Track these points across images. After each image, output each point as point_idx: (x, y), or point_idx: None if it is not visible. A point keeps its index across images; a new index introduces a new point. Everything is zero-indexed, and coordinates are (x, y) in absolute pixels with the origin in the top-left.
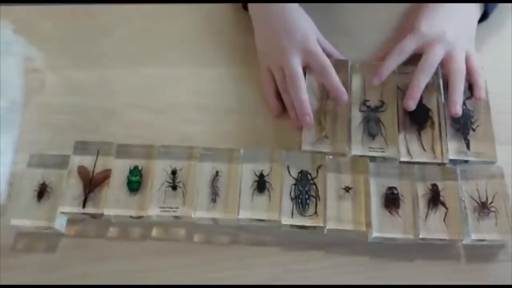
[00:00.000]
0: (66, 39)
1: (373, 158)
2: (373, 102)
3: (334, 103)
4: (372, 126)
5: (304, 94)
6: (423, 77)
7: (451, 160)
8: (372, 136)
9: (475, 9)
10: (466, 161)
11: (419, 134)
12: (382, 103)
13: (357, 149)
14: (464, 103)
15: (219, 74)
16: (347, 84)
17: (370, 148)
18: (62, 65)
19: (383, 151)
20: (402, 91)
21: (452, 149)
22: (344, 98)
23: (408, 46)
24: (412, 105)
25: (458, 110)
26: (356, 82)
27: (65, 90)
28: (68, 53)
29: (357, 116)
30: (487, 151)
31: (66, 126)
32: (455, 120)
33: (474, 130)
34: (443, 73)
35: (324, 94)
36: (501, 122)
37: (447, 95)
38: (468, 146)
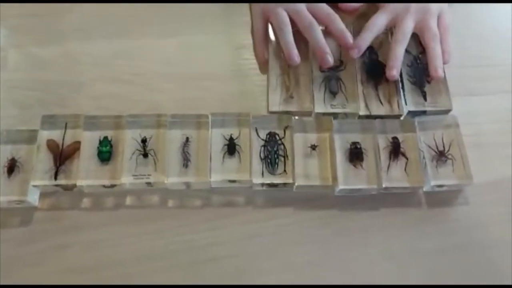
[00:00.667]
0: (27, 16)
1: (335, 115)
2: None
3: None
4: (333, 84)
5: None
6: (399, 47)
7: (410, 112)
8: (333, 93)
9: None
10: (424, 112)
11: (376, 89)
12: (341, 62)
13: (320, 107)
14: (418, 57)
15: (184, 42)
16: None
17: (332, 105)
18: (25, 41)
19: (344, 107)
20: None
21: (410, 101)
22: (328, 60)
23: (380, 21)
24: (395, 74)
25: (440, 73)
26: None
27: (30, 66)
28: (30, 29)
29: (318, 76)
30: (443, 101)
31: (32, 101)
32: (410, 74)
33: (429, 82)
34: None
35: None
36: (454, 76)
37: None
38: (425, 98)
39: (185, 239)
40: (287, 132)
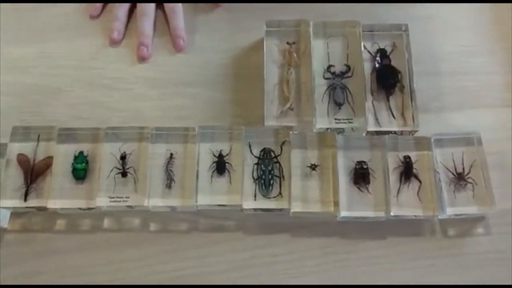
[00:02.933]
0: (4, 11)
1: (340, 130)
2: (338, 67)
3: (296, 71)
4: (338, 94)
5: None
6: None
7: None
8: (339, 105)
9: None
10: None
11: (388, 100)
12: (348, 67)
13: (322, 122)
14: None
15: (169, 43)
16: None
17: (336, 119)
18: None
19: (350, 122)
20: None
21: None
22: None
23: None
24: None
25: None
26: (318, 45)
27: (2, 67)
28: (4, 28)
29: (321, 84)
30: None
31: (3, 108)
32: None
33: None
34: None
35: (286, 61)
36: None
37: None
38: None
39: (170, 267)
40: (284, 148)
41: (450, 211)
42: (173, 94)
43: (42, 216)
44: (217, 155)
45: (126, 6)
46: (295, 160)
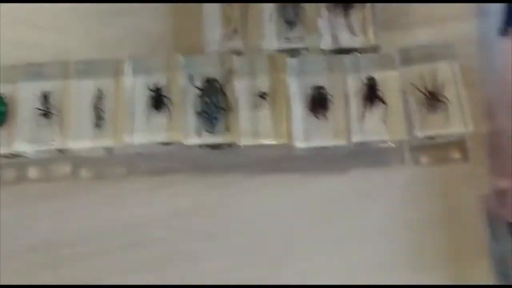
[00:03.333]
0: None
1: (294, 52)
2: None
3: None
4: (289, 12)
5: None
6: None
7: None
8: (290, 24)
9: None
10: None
11: (347, 16)
12: None
13: (270, 42)
14: None
15: None
16: None
17: (287, 38)
18: None
19: (302, 41)
20: None
21: None
22: None
23: None
24: None
25: None
26: None
27: None
28: None
29: (270, 3)
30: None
31: None
32: None
33: None
34: None
35: None
36: None
37: None
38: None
39: (102, 218)
40: (230, 77)
41: (420, 134)
42: (102, 26)
43: None
44: (153, 88)
45: None
46: (243, 90)
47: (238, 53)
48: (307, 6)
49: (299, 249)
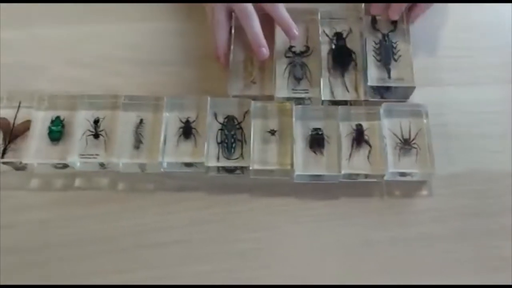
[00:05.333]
0: None
1: (298, 101)
2: (298, 48)
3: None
4: (297, 70)
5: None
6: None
7: (372, 88)
8: (298, 79)
9: None
10: (388, 88)
11: (343, 76)
12: (307, 48)
13: (281, 92)
14: (387, 35)
15: (146, 28)
16: (273, 31)
17: (294, 90)
18: None
19: (306, 92)
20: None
21: (374, 77)
22: (263, 53)
23: None
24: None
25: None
26: (280, 30)
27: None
28: None
29: (282, 62)
30: (406, 77)
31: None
32: (377, 53)
33: (396, 60)
34: None
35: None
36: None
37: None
38: (389, 74)
39: (132, 223)
40: (247, 116)
41: (392, 170)
42: (146, 72)
43: (18, 175)
44: (183, 121)
45: (256, 22)
46: (256, 127)
47: (254, 98)
48: (312, 67)
49: (294, 253)
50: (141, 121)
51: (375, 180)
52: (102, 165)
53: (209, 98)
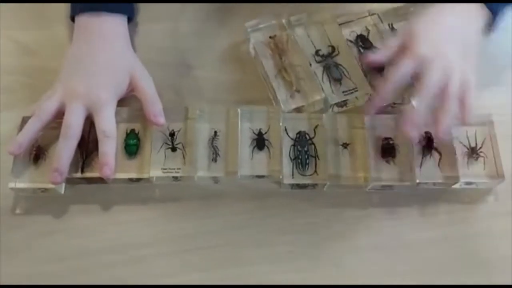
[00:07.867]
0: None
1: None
2: (324, 50)
3: (289, 58)
4: (333, 71)
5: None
6: (423, 104)
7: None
8: (337, 80)
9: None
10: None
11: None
12: (333, 48)
13: (333, 98)
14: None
15: (174, 29)
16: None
17: (344, 92)
18: (11, 26)
19: (356, 90)
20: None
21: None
22: (106, 172)
23: (406, 69)
24: (414, 134)
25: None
26: (303, 36)
27: (17, 51)
28: (17, 14)
29: (316, 68)
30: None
31: (17, 86)
32: None
33: None
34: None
35: (275, 51)
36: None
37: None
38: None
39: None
40: (317, 131)
41: (463, 180)
42: (180, 76)
43: (94, 187)
44: (256, 132)
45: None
46: (328, 140)
47: (305, 108)
48: (345, 63)
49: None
50: (215, 133)
51: (442, 187)
52: (176, 178)
53: (280, 112)
